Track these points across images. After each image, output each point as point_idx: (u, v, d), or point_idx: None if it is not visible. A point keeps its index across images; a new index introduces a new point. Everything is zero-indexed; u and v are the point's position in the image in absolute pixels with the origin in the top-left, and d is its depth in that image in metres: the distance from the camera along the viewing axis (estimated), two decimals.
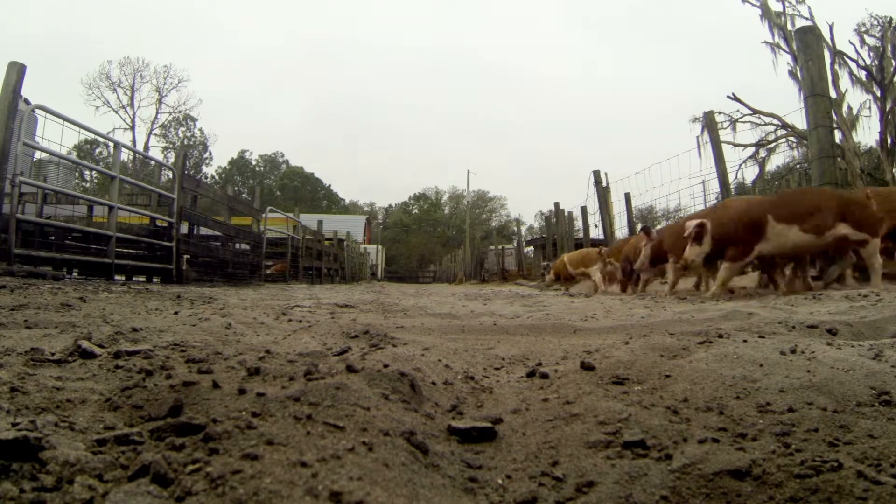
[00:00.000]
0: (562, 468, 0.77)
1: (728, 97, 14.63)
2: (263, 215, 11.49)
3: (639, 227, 5.76)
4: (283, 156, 58.94)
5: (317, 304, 4.11)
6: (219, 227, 9.52)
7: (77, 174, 28.24)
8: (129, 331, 1.72)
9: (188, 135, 46.49)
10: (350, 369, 1.06)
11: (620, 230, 12.30)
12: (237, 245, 11.14)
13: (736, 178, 15.06)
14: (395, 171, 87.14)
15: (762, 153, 15.64)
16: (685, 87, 75.03)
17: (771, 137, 15.44)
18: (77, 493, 0.58)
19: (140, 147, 39.22)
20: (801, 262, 5.15)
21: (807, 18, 14.67)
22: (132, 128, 42.15)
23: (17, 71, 5.33)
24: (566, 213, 15.75)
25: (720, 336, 1.61)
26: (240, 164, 55.86)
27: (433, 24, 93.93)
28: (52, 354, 1.29)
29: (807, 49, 6.52)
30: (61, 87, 51.85)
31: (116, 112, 41.83)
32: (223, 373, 1.10)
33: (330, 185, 57.92)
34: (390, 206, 62.56)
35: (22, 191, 5.46)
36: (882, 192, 4.88)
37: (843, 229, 4.37)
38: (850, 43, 15.48)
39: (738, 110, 15.17)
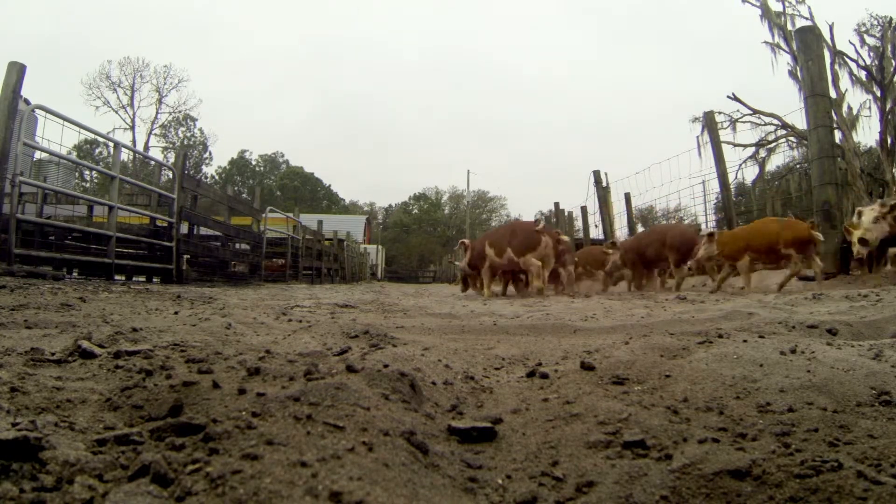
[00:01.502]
0: (562, 468, 0.77)
1: (728, 97, 14.60)
2: (263, 215, 11.49)
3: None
4: (283, 156, 58.80)
5: (317, 304, 4.11)
6: (219, 227, 9.52)
7: (77, 174, 28.21)
8: (129, 331, 1.72)
9: (188, 135, 46.38)
10: (350, 369, 1.06)
11: (621, 230, 12.34)
12: (237, 245, 11.14)
13: (736, 178, 15.05)
14: (395, 171, 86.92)
15: (762, 153, 15.62)
16: (685, 87, 74.96)
17: (771, 137, 15.41)
18: (77, 493, 0.58)
19: (140, 147, 39.14)
20: (515, 275, 7.06)
21: (807, 18, 14.65)
22: (132, 128, 42.09)
23: (17, 71, 5.34)
24: (566, 213, 15.77)
25: (720, 336, 1.61)
26: (240, 164, 55.75)
27: (433, 24, 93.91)
28: (52, 354, 1.29)
29: (807, 49, 6.53)
30: (61, 87, 51.85)
31: (116, 112, 41.76)
32: (223, 373, 1.10)
33: (330, 185, 57.70)
34: (390, 206, 62.43)
35: (22, 191, 5.47)
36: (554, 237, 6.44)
37: (510, 252, 6.07)
38: (850, 43, 15.45)
39: (738, 110, 15.13)
